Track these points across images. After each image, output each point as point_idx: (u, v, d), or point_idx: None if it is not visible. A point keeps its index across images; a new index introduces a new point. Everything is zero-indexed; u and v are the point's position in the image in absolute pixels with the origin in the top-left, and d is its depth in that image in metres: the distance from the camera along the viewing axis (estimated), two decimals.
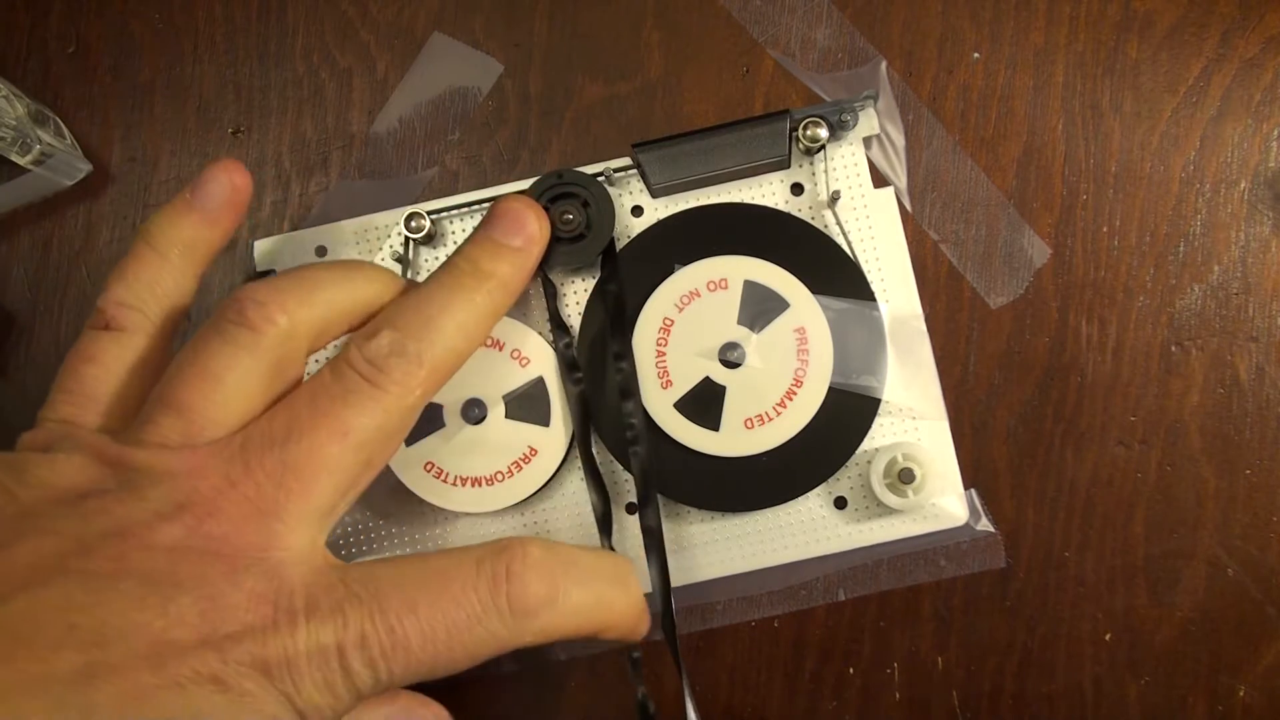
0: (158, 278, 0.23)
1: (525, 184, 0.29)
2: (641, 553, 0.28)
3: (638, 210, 0.30)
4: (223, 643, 0.18)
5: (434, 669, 0.20)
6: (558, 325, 0.29)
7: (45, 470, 0.20)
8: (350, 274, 0.23)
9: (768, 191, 0.30)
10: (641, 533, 0.27)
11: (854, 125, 0.29)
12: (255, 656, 0.19)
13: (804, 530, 0.29)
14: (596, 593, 0.22)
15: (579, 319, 0.29)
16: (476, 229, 0.26)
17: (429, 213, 0.30)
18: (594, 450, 0.29)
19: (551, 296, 0.29)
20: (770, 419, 0.28)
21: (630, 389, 0.28)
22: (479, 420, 0.29)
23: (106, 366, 0.22)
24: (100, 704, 0.17)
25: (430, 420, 0.29)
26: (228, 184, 0.24)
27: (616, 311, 0.29)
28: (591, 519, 0.29)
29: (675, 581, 0.29)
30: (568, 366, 0.29)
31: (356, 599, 0.20)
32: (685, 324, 0.29)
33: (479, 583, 0.21)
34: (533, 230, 0.25)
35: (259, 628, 0.19)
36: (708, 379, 0.28)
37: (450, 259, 0.25)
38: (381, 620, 0.20)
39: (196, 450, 0.20)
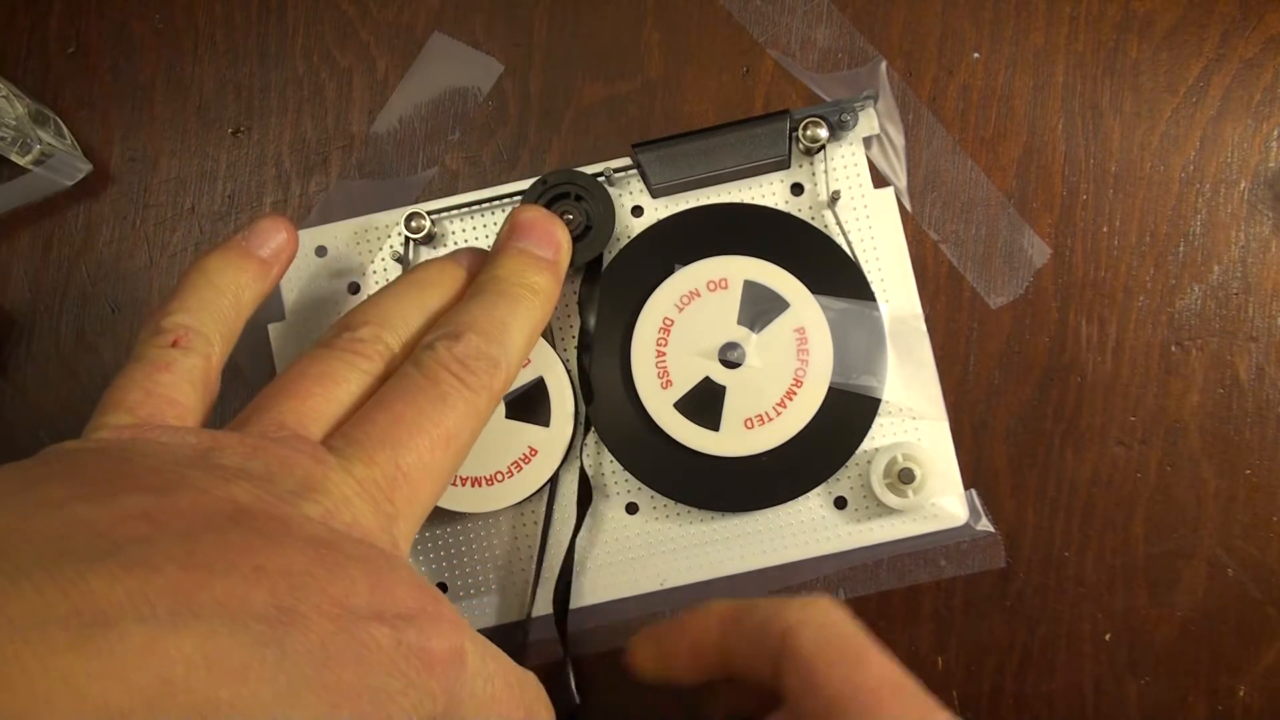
0: (218, 312, 0.24)
1: (525, 184, 0.29)
2: (641, 555, 0.28)
3: (638, 210, 0.30)
4: (395, 621, 0.18)
5: None
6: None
7: (157, 447, 0.20)
8: (423, 288, 0.25)
9: (768, 191, 0.30)
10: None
11: (854, 125, 0.29)
12: (424, 647, 0.18)
13: (804, 530, 0.29)
14: None
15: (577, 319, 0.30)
16: (503, 241, 0.26)
17: (429, 213, 0.30)
18: (594, 448, 0.29)
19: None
20: (770, 419, 0.28)
21: (588, 344, 0.29)
22: None
23: (182, 376, 0.22)
24: (294, 653, 0.16)
25: None
26: (284, 236, 0.25)
27: (591, 272, 0.29)
28: (591, 519, 0.29)
29: (676, 581, 0.29)
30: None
31: (479, 639, 0.20)
32: (685, 324, 0.29)
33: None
34: (561, 240, 0.26)
35: (428, 618, 0.18)
36: (708, 379, 0.28)
37: (494, 273, 0.25)
38: (503, 674, 0.20)
39: (311, 441, 0.21)
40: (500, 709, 0.20)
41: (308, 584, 0.17)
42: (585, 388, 0.29)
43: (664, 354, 0.29)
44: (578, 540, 0.29)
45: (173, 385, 0.22)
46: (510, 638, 0.29)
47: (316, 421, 0.21)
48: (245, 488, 0.19)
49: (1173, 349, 0.30)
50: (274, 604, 0.16)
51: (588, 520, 0.29)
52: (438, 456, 0.21)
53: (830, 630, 0.21)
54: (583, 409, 0.29)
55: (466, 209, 0.30)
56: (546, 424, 0.29)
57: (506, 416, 0.29)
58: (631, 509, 0.29)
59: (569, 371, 0.29)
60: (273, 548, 0.17)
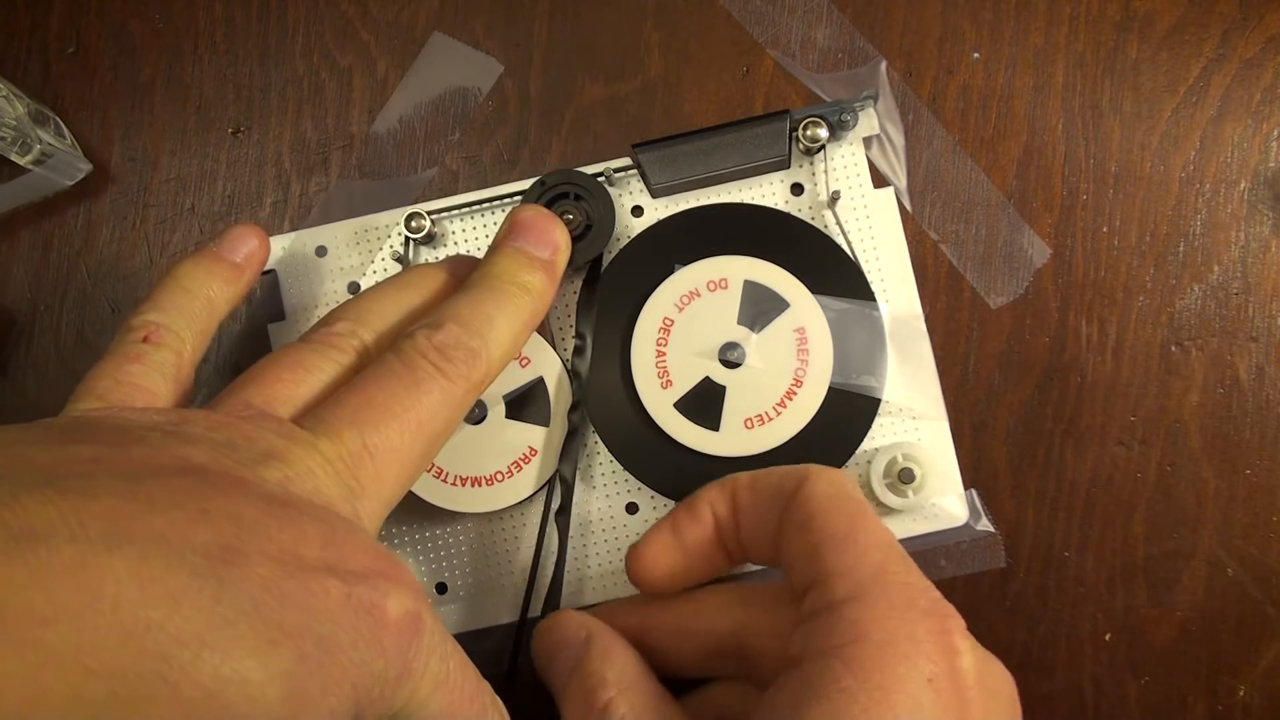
0: (190, 312, 0.24)
1: (525, 184, 0.29)
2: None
3: (638, 210, 0.30)
4: (347, 576, 0.18)
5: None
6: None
7: (122, 422, 0.20)
8: (405, 289, 0.26)
9: (768, 191, 0.30)
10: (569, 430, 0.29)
11: (854, 125, 0.29)
12: (376, 604, 0.18)
13: None
14: None
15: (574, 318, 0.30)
16: (501, 239, 0.26)
17: (429, 213, 0.30)
18: (594, 448, 0.29)
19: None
20: (770, 419, 0.28)
21: (582, 350, 0.29)
22: (479, 420, 0.29)
23: (152, 367, 0.23)
24: (233, 586, 0.16)
25: None
26: (256, 243, 0.26)
27: (591, 272, 0.29)
28: (592, 519, 0.29)
29: None
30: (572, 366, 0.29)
31: (440, 622, 0.20)
32: (685, 324, 0.29)
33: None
34: (559, 240, 0.26)
35: (383, 578, 0.18)
36: (708, 379, 0.28)
37: (486, 270, 0.25)
38: (460, 658, 0.20)
39: (277, 418, 0.21)
40: (455, 694, 0.20)
41: (255, 529, 0.17)
42: (583, 388, 0.29)
43: (664, 354, 0.29)
44: (578, 541, 0.29)
45: (143, 375, 0.22)
46: (507, 639, 0.29)
47: (285, 404, 0.22)
48: (204, 450, 0.19)
49: (1173, 349, 0.30)
50: (216, 542, 0.16)
51: (588, 520, 0.29)
52: (407, 440, 0.21)
53: (840, 489, 0.23)
54: (581, 409, 0.29)
55: (466, 209, 0.30)
56: (546, 424, 0.29)
57: (506, 416, 0.29)
58: (631, 509, 0.29)
59: (569, 371, 0.29)
60: (222, 496, 0.17)
